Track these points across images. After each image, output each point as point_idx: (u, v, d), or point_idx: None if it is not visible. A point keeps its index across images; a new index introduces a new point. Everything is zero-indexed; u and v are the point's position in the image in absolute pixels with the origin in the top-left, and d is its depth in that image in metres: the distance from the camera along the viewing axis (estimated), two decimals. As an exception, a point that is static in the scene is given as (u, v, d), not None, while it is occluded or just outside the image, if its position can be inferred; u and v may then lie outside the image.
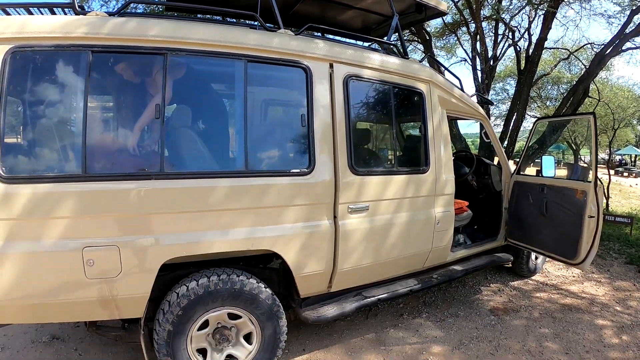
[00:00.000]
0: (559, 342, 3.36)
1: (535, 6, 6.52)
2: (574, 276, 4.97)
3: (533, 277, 4.80)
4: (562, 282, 4.74)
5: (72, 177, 2.09)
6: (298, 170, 2.53)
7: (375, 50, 3.19)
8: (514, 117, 7.03)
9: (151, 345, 2.43)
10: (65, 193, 2.05)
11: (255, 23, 2.80)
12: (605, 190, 8.06)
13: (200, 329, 2.46)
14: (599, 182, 3.41)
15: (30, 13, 2.46)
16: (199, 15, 3.63)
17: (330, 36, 3.72)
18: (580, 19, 8.12)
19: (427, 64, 4.59)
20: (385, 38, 3.30)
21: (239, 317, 2.54)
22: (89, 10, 2.38)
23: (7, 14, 2.38)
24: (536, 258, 4.80)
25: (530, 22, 7.08)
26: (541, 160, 3.93)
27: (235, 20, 3.73)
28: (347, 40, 3.57)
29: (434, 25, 8.46)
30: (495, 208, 4.26)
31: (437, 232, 3.26)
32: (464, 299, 4.13)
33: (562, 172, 12.57)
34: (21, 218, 2.01)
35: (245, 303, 2.48)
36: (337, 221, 2.66)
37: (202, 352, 2.53)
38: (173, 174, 2.25)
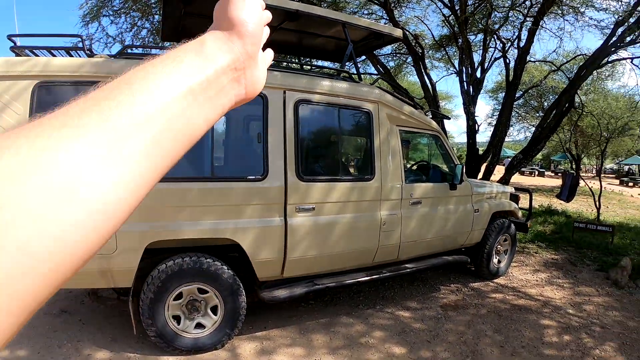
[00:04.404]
0: (496, 337, 4.16)
1: (520, 19, 7.43)
2: (537, 280, 5.81)
3: (495, 280, 5.66)
4: (523, 286, 5.59)
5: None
6: (254, 177, 3.52)
7: (330, 76, 4.16)
8: (499, 128, 7.90)
9: (138, 313, 3.44)
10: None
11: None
12: (597, 200, 8.80)
13: (175, 299, 3.47)
14: None
15: (53, 55, 3.54)
16: None
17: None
18: (572, 31, 8.95)
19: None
20: (339, 65, 4.30)
21: (207, 292, 3.54)
22: (96, 52, 3.46)
23: (35, 55, 3.46)
24: (499, 262, 5.66)
25: (519, 31, 7.97)
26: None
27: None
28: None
29: (430, 38, 9.48)
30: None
31: (383, 232, 4.21)
32: (421, 295, 5.06)
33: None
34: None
35: (210, 280, 3.50)
36: (286, 218, 3.65)
37: (177, 318, 3.52)
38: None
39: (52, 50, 3.58)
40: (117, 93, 0.34)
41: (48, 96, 3.16)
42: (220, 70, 0.41)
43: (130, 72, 0.36)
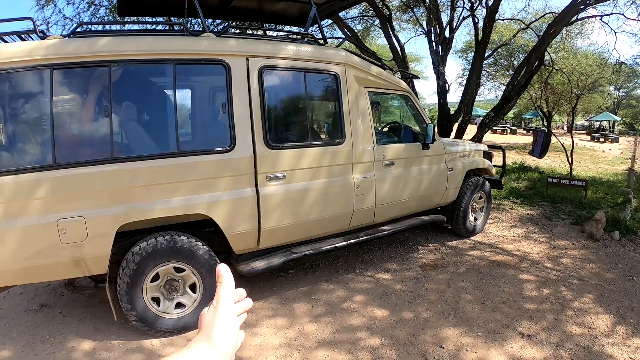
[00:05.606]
0: (477, 294, 4.29)
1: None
2: (513, 236, 5.99)
3: (472, 237, 5.81)
4: (500, 242, 5.76)
5: (45, 167, 3.01)
6: (221, 149, 3.49)
7: (294, 40, 4.10)
8: (470, 87, 7.97)
9: (117, 299, 3.41)
10: (39, 180, 2.98)
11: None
12: (569, 156, 9.06)
13: (153, 280, 3.46)
14: None
15: (4, 41, 3.38)
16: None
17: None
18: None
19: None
20: (304, 29, 4.24)
21: (184, 270, 3.53)
22: (49, 34, 3.31)
23: None
24: (475, 219, 5.79)
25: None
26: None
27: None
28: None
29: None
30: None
31: (357, 195, 4.25)
32: (400, 257, 5.17)
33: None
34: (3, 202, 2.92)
35: (186, 258, 3.49)
36: (258, 188, 3.64)
37: (157, 300, 3.52)
38: (121, 159, 3.20)
39: (3, 37, 3.42)
40: None
41: (3, 84, 3.02)
42: None
43: None
